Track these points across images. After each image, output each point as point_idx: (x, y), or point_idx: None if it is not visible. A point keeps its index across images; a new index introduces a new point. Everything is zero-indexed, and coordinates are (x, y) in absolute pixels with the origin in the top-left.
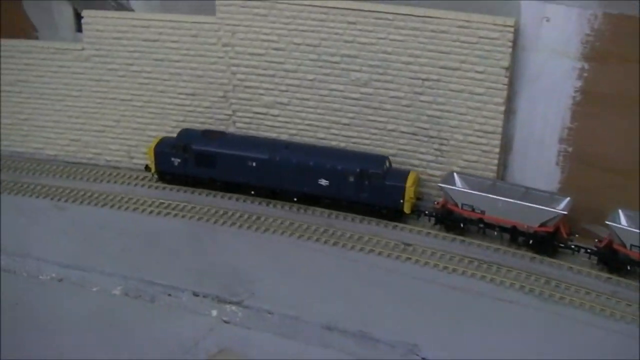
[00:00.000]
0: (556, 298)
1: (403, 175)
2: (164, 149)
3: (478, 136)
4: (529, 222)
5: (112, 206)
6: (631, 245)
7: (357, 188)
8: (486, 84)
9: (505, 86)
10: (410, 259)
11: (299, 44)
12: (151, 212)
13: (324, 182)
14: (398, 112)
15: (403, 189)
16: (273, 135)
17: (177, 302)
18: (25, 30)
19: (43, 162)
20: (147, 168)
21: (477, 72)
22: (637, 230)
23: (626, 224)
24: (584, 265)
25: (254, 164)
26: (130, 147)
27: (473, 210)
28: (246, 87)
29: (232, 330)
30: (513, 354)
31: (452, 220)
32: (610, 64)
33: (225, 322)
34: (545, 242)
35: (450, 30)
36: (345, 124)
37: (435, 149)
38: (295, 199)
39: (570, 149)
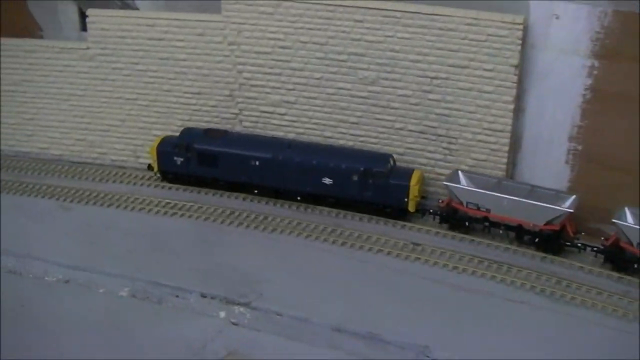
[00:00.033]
0: (567, 298)
1: (407, 173)
2: (166, 148)
3: (487, 135)
4: (534, 220)
5: (118, 206)
6: (638, 244)
7: (361, 187)
8: (495, 82)
9: (515, 84)
10: (419, 259)
11: (305, 42)
12: (158, 212)
13: (327, 181)
14: (406, 111)
15: (407, 188)
16: (280, 134)
17: (185, 303)
18: (29, 29)
19: (48, 162)
20: (149, 167)
21: (485, 70)
22: None
23: (633, 222)
24: (595, 265)
25: (257, 163)
26: (136, 146)
27: (478, 208)
28: (252, 85)
29: (240, 332)
30: (525, 356)
31: (457, 218)
32: (621, 62)
33: (234, 323)
34: (551, 240)
35: (459, 28)
36: (352, 123)
37: (444, 148)
38: (298, 198)
39: (579, 148)
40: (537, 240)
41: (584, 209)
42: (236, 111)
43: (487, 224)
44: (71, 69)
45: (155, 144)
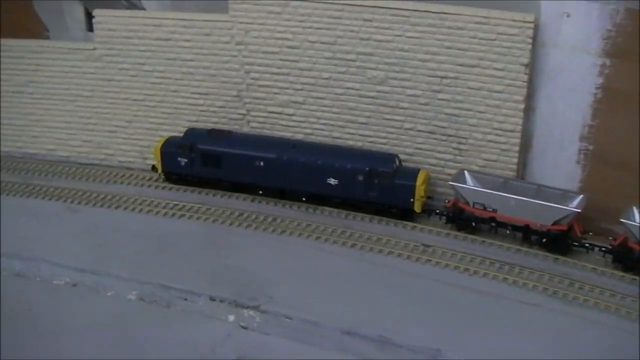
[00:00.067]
0: (580, 300)
1: (413, 173)
2: (170, 149)
3: (497, 135)
4: (542, 220)
5: (125, 208)
6: None
7: (366, 187)
8: (505, 82)
9: (525, 83)
10: (430, 260)
11: (313, 42)
12: (165, 213)
13: (332, 181)
14: (415, 111)
15: (413, 188)
16: (288, 134)
17: (194, 307)
18: (35, 30)
19: (55, 164)
20: (153, 168)
21: (496, 69)
22: None
23: None
24: (607, 266)
25: (261, 164)
26: (143, 147)
27: (485, 208)
28: (260, 86)
29: (249, 336)
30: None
31: (463, 219)
32: (633, 61)
33: (243, 327)
34: (559, 240)
35: (468, 27)
36: (361, 123)
37: (454, 148)
38: (303, 199)
39: (591, 147)
40: (544, 240)
41: (595, 209)
42: (244, 112)
43: (493, 224)
44: (77, 69)
45: (159, 144)
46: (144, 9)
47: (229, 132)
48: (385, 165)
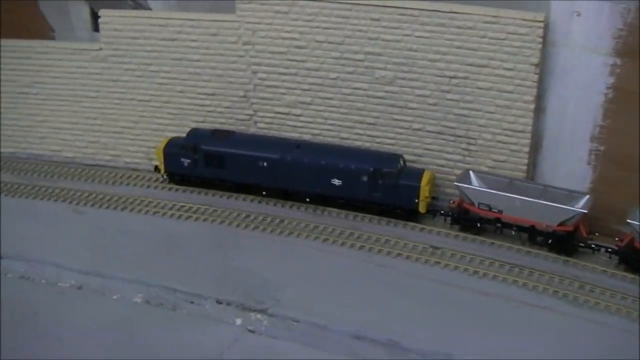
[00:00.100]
0: (591, 303)
1: (418, 174)
2: (173, 150)
3: (507, 135)
4: (547, 221)
5: (131, 210)
6: None
7: (370, 188)
8: (515, 82)
9: (535, 83)
10: (439, 262)
11: (321, 42)
12: (172, 215)
13: (336, 182)
14: (424, 111)
15: (418, 188)
16: (295, 135)
17: (200, 310)
18: (41, 30)
19: (60, 165)
20: (156, 169)
21: (505, 69)
22: None
23: None
24: (617, 268)
25: (265, 164)
26: (149, 148)
27: (490, 209)
28: (267, 86)
29: (257, 340)
30: None
31: (468, 219)
32: None
33: (250, 331)
34: (565, 241)
35: (478, 26)
36: (369, 124)
37: (463, 149)
38: (307, 200)
39: (602, 148)
40: (550, 241)
41: (606, 210)
42: (251, 112)
43: (499, 225)
44: (83, 70)
45: (162, 145)
46: (150, 9)
47: (232, 133)
48: (389, 166)
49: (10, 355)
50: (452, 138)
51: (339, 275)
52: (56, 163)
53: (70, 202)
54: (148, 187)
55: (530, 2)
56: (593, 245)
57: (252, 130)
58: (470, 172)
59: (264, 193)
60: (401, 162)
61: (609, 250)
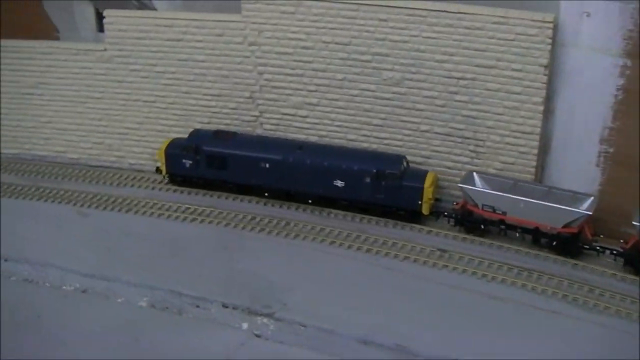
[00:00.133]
0: (601, 307)
1: (421, 175)
2: (174, 151)
3: (515, 137)
4: (552, 223)
5: (136, 212)
6: None
7: (373, 189)
8: (524, 83)
9: (544, 85)
10: (446, 266)
11: (328, 43)
12: (177, 217)
13: (339, 183)
14: (432, 113)
15: (421, 190)
16: (302, 137)
17: (206, 314)
18: (45, 31)
19: (65, 166)
20: (158, 170)
21: (514, 70)
22: None
23: None
24: (626, 271)
25: (267, 165)
26: (154, 150)
27: (494, 211)
28: (273, 87)
29: (263, 345)
30: None
31: (472, 221)
32: None
33: (257, 335)
34: (569, 243)
35: (486, 27)
36: (376, 125)
37: (471, 151)
38: (310, 201)
39: (611, 150)
40: (554, 243)
41: (614, 213)
42: (257, 113)
43: (502, 226)
44: (88, 71)
45: (164, 146)
46: (155, 9)
47: (234, 134)
48: (392, 167)
49: (13, 358)
50: (460, 140)
51: (346, 278)
52: (60, 164)
53: (75, 204)
54: (153, 188)
55: (540, 3)
56: (598, 248)
57: (259, 131)
58: (474, 173)
59: (266, 194)
60: (404, 163)
61: (614, 252)
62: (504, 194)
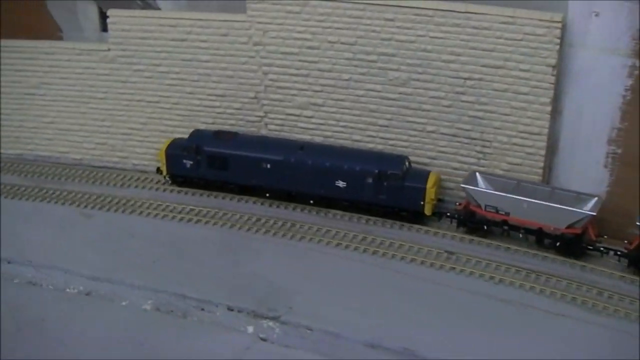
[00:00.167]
0: (610, 311)
1: (423, 176)
2: (175, 151)
3: (523, 138)
4: (555, 223)
5: (140, 213)
6: None
7: (375, 190)
8: (531, 83)
9: (552, 85)
10: (454, 268)
11: (333, 42)
12: (181, 219)
13: (341, 183)
14: (438, 113)
15: (423, 191)
16: (307, 137)
17: (211, 317)
18: (49, 30)
19: (68, 167)
20: (158, 171)
21: (522, 70)
22: None
23: None
24: (632, 273)
25: (268, 166)
26: (158, 150)
27: (497, 211)
28: (278, 87)
29: (269, 349)
30: None
31: (474, 222)
32: None
33: (262, 339)
34: (573, 244)
35: (494, 27)
36: (382, 126)
37: (478, 152)
38: (311, 202)
39: (619, 151)
40: (558, 244)
41: (622, 214)
42: (261, 114)
43: (505, 227)
44: (91, 71)
45: (164, 146)
46: (159, 8)
47: (235, 134)
48: (394, 167)
49: None
50: (466, 140)
51: (353, 281)
52: (63, 165)
53: (78, 205)
54: (157, 189)
55: (548, 3)
56: (602, 248)
57: (263, 132)
58: (477, 173)
59: (267, 195)
60: (406, 163)
61: (618, 253)
62: (507, 195)
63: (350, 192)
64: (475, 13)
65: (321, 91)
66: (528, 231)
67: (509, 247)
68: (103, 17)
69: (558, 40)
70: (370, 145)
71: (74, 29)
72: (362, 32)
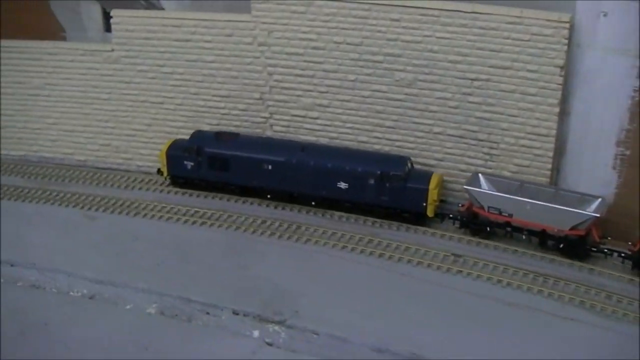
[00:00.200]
0: (619, 315)
1: (426, 176)
2: (176, 152)
3: (530, 139)
4: (559, 225)
5: (144, 215)
6: None
7: (377, 191)
8: (539, 84)
9: (560, 86)
10: (461, 271)
11: (339, 43)
12: (186, 221)
13: (343, 185)
14: (445, 114)
15: (426, 192)
16: (312, 139)
17: (216, 321)
18: (52, 31)
19: (72, 168)
20: (159, 172)
21: (529, 71)
22: None
23: None
24: (636, 275)
25: (269, 167)
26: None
27: (500, 213)
28: (283, 88)
29: (275, 353)
30: None
31: (477, 223)
32: None
33: (268, 344)
34: (577, 245)
35: (501, 27)
36: (388, 127)
37: (485, 153)
38: (313, 203)
39: (627, 152)
40: (561, 245)
41: (632, 216)
42: (266, 115)
43: (509, 229)
44: (95, 71)
45: (165, 147)
46: (163, 9)
47: (236, 135)
48: (397, 169)
49: None
50: (473, 142)
51: (359, 284)
52: (67, 166)
53: (82, 207)
54: (161, 191)
55: (555, 3)
56: (605, 250)
57: (268, 133)
58: (480, 175)
59: (268, 196)
60: (409, 164)
61: (622, 254)
62: (511, 196)
63: (352, 193)
64: (482, 13)
65: (327, 92)
66: (531, 233)
67: (515, 250)
68: (107, 17)
69: (566, 41)
70: (377, 147)
71: (77, 29)
72: (368, 33)
